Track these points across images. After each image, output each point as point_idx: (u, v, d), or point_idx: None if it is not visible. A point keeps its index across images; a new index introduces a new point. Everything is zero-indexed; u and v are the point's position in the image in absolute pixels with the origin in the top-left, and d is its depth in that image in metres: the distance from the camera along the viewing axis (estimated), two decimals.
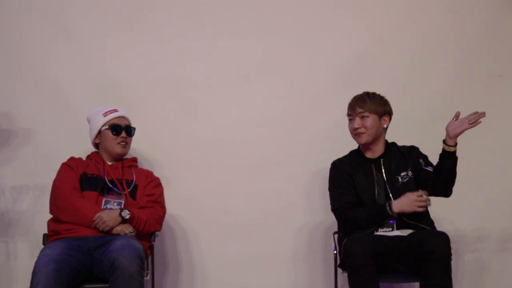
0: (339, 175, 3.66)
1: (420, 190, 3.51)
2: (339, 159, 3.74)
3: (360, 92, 3.68)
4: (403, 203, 3.46)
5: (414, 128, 4.11)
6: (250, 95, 4.23)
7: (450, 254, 3.31)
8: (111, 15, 4.21)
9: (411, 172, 3.61)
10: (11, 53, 4.17)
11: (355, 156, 3.71)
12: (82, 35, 4.19)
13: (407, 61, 4.24)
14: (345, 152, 3.76)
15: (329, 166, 3.74)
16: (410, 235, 3.46)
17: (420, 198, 3.45)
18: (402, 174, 3.61)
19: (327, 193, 3.73)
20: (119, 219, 3.49)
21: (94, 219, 3.46)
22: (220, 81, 4.23)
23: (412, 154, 3.66)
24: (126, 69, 4.20)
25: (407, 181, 3.60)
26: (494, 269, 4.17)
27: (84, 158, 3.80)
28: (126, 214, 3.51)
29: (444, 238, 3.34)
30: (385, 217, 3.49)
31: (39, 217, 3.94)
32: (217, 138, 4.21)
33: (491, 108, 4.04)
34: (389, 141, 3.73)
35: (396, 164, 3.63)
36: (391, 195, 3.56)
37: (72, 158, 3.74)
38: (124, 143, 3.74)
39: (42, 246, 3.51)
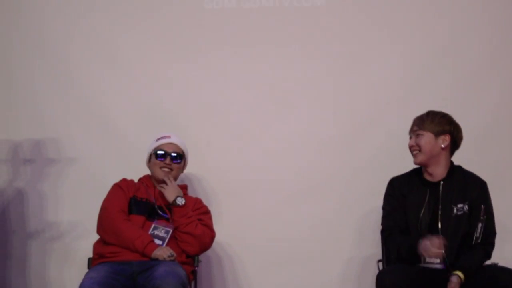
0: (393, 194, 3.54)
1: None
2: (397, 177, 3.60)
3: (407, 116, 3.61)
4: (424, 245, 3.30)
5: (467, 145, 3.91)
6: (296, 118, 4.20)
7: None
8: (157, 43, 4.26)
9: (468, 207, 3.44)
10: (60, 81, 4.26)
11: (415, 176, 3.56)
12: (129, 63, 4.26)
13: (457, 82, 4.15)
14: None
15: (378, 193, 3.63)
16: None
17: (436, 249, 3.26)
18: (459, 205, 3.44)
19: (378, 223, 3.63)
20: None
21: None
22: (265, 105, 4.22)
23: (475, 189, 3.47)
24: (172, 96, 4.25)
25: (461, 214, 3.43)
26: None
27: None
28: (181, 200, 3.60)
29: None
30: (412, 258, 3.33)
31: (85, 244, 3.91)
32: (264, 164, 4.17)
33: None
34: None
35: (456, 193, 3.46)
36: (440, 224, 3.42)
37: (124, 180, 3.76)
38: (167, 169, 3.73)
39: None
